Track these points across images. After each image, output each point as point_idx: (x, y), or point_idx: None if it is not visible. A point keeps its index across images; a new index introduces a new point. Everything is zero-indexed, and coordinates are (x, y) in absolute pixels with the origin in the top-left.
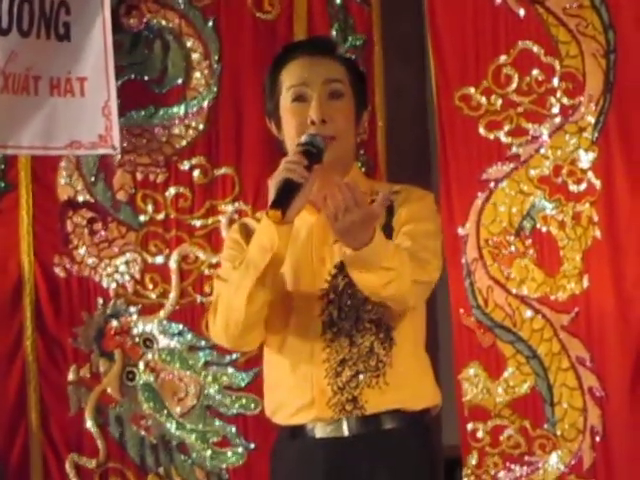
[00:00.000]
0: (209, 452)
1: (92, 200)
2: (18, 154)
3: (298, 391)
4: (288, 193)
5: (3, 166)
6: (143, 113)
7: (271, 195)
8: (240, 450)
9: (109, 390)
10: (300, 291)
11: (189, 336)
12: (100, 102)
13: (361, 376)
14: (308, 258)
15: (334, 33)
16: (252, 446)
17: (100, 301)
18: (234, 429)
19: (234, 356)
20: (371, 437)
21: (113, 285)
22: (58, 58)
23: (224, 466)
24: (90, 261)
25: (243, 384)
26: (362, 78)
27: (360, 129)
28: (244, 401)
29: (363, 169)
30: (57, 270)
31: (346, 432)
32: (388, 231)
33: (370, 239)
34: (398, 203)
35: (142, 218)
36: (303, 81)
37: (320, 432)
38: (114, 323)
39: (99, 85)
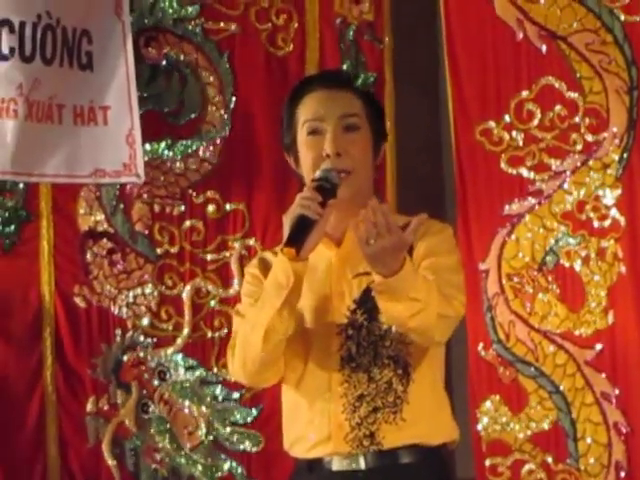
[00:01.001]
0: None
1: (112, 231)
2: (43, 182)
3: (315, 426)
4: (303, 230)
5: (25, 195)
6: (160, 145)
7: (286, 231)
8: None
9: (126, 422)
10: (318, 326)
11: (200, 370)
12: (124, 131)
13: (379, 412)
14: (326, 293)
15: (345, 69)
16: None
17: (118, 332)
18: (239, 465)
19: (241, 392)
20: (388, 471)
21: (131, 317)
22: (81, 87)
23: None
24: (109, 292)
25: (249, 420)
26: (379, 110)
27: (378, 162)
28: (249, 438)
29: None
30: (77, 300)
31: (363, 466)
32: None
33: (400, 267)
34: (417, 237)
35: (158, 250)
36: (318, 116)
37: (337, 465)
38: (131, 355)
39: (122, 114)
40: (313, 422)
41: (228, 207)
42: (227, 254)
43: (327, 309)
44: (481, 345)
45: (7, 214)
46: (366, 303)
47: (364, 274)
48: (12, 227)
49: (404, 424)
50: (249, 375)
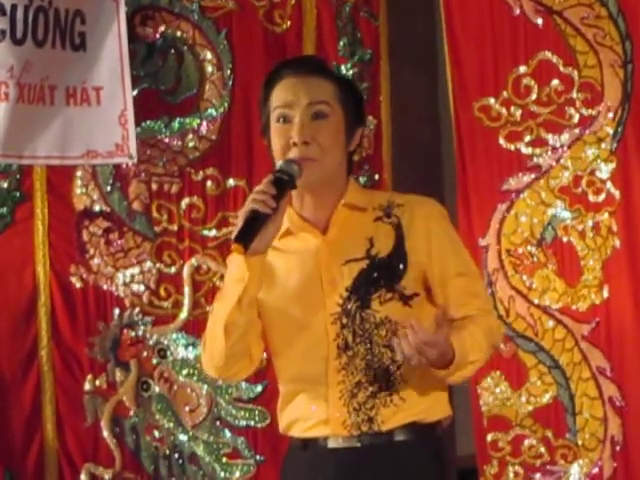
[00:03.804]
0: (219, 464)
1: (108, 210)
2: (34, 164)
3: (313, 412)
4: (252, 225)
5: (19, 176)
6: (158, 123)
7: (238, 227)
8: (249, 462)
9: (125, 400)
10: (312, 315)
11: (201, 347)
12: (116, 111)
13: (377, 397)
14: (317, 281)
15: (342, 46)
16: (261, 458)
17: (116, 311)
18: (244, 441)
19: None
20: (383, 448)
21: (129, 295)
22: (73, 68)
23: (234, 478)
24: (106, 271)
25: (253, 396)
26: (356, 95)
27: (352, 146)
28: (254, 413)
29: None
30: (73, 280)
31: (358, 444)
32: (401, 254)
33: (452, 356)
34: (405, 221)
35: (157, 228)
36: (286, 103)
37: (333, 443)
38: (130, 333)
39: (115, 94)
40: (310, 408)
41: (228, 184)
42: (228, 230)
43: (319, 297)
44: None
45: (1, 195)
46: (358, 291)
47: (354, 260)
48: (6, 208)
49: (403, 404)
50: (217, 369)
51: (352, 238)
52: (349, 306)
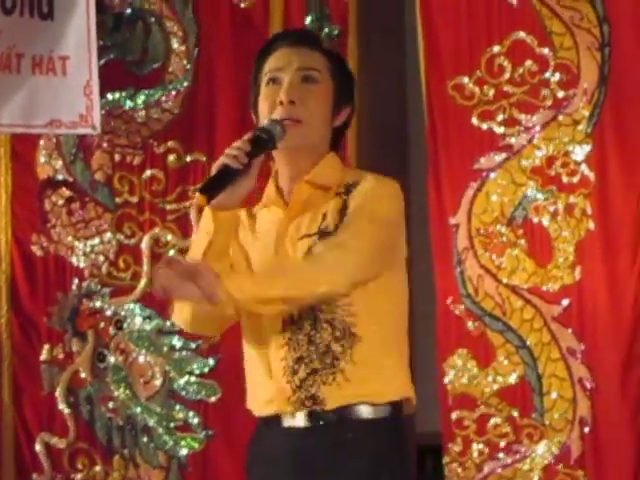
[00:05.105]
0: (170, 436)
1: (71, 179)
2: None
3: (261, 387)
4: (220, 179)
5: None
6: (123, 94)
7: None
8: (199, 436)
9: (81, 370)
10: None
11: (157, 320)
12: (82, 81)
13: (317, 374)
14: (272, 254)
15: (310, 21)
16: (211, 433)
17: (75, 281)
18: (195, 415)
19: (198, 342)
20: (332, 427)
21: (88, 265)
22: (41, 36)
23: (184, 451)
24: (67, 240)
25: (206, 370)
26: (347, 72)
27: (337, 122)
28: (206, 388)
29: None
30: (34, 248)
31: (308, 423)
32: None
33: None
34: (352, 195)
35: (118, 200)
36: (278, 67)
37: (286, 422)
38: (88, 303)
39: (81, 64)
40: (260, 384)
41: (189, 158)
42: (187, 204)
43: None
44: (451, 299)
45: None
46: None
47: (307, 236)
48: None
49: (347, 384)
50: (186, 323)
51: (311, 213)
52: None
